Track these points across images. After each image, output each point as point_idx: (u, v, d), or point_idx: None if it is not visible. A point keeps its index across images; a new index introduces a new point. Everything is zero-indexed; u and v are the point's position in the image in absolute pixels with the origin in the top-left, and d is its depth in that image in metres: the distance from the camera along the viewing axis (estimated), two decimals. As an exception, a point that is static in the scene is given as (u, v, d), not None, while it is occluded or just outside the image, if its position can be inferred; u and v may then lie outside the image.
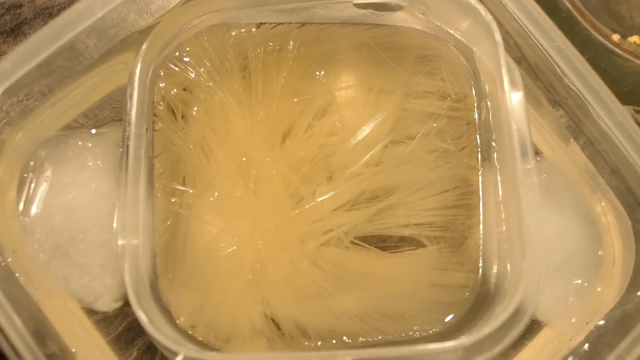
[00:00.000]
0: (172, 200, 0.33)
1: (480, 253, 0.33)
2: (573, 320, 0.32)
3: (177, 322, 0.31)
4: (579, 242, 0.33)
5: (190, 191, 0.33)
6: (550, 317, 0.32)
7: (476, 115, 0.35)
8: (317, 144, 0.34)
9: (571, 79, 0.33)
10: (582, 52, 0.33)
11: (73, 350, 0.30)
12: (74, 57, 0.32)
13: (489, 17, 0.31)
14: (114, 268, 0.31)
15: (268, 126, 0.34)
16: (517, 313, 0.28)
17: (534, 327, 0.32)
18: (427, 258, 0.33)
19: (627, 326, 0.30)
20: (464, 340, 0.27)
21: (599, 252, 0.33)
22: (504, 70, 0.31)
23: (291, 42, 0.35)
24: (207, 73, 0.34)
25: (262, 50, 0.34)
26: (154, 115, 0.34)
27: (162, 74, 0.34)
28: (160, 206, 0.32)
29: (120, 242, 0.29)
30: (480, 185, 0.34)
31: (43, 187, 0.32)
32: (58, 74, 0.32)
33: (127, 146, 0.30)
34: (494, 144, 0.33)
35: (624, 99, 0.36)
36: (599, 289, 0.33)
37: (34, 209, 0.32)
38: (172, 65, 0.34)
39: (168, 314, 0.31)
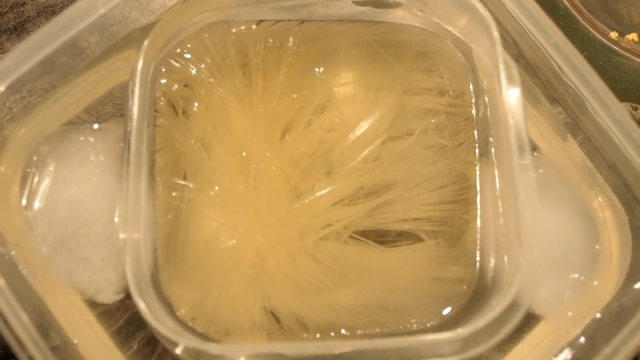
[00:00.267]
0: (173, 194, 0.33)
1: (478, 247, 0.34)
2: (570, 314, 0.32)
3: (178, 314, 0.32)
4: (576, 237, 0.34)
5: (191, 186, 0.33)
6: (547, 311, 0.33)
7: (474, 112, 0.35)
8: (316, 139, 0.34)
9: (569, 76, 0.33)
10: (580, 50, 0.33)
11: (75, 341, 0.30)
12: (76, 54, 0.32)
13: (486, 13, 0.31)
14: (116, 261, 0.32)
15: (268, 122, 0.34)
16: (513, 306, 0.28)
17: (531, 321, 0.33)
18: (425, 252, 0.34)
19: (623, 319, 0.30)
20: (460, 332, 0.28)
21: (596, 247, 0.34)
22: (501, 67, 0.31)
23: (291, 39, 0.35)
24: (208, 70, 0.34)
25: (262, 48, 0.35)
26: (156, 111, 0.34)
27: (163, 70, 0.34)
28: (161, 200, 0.33)
29: (121, 235, 0.29)
30: (477, 180, 0.34)
31: (46, 182, 0.32)
32: (60, 71, 0.32)
33: (129, 141, 0.30)
34: (491, 139, 0.34)
35: (622, 96, 0.36)
36: (595, 283, 0.33)
37: (36, 204, 0.32)
38: (173, 62, 0.34)
39: (169, 307, 0.32)
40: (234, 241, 0.33)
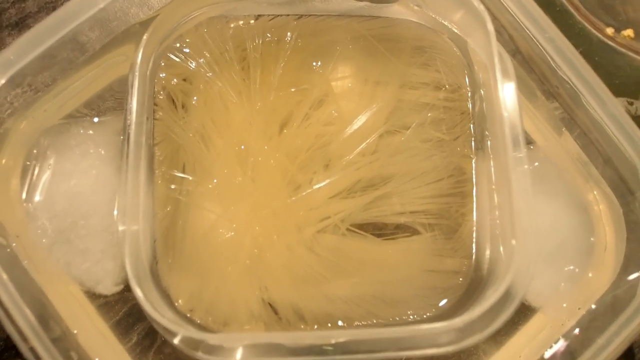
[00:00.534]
0: (172, 187, 0.33)
1: (474, 240, 0.34)
2: (565, 305, 0.33)
3: (176, 305, 0.32)
4: (571, 229, 0.34)
5: (190, 178, 0.34)
6: (543, 302, 0.33)
7: (470, 105, 0.36)
8: (314, 133, 0.35)
9: (564, 71, 0.33)
10: (577, 46, 0.34)
11: (75, 332, 0.31)
12: (77, 49, 0.33)
13: (481, 7, 0.32)
14: (115, 253, 0.32)
15: (266, 116, 0.34)
16: (507, 296, 0.29)
17: (527, 313, 0.33)
18: (422, 245, 0.34)
19: (617, 310, 0.31)
20: (455, 321, 0.28)
21: (591, 239, 0.34)
22: (495, 60, 0.31)
23: (289, 34, 0.35)
24: (207, 64, 0.35)
25: (261, 42, 0.35)
26: (155, 104, 0.34)
27: (162, 64, 0.35)
28: (160, 193, 0.33)
29: (120, 227, 0.30)
30: (474, 173, 0.35)
31: (46, 174, 0.33)
32: (60, 66, 0.33)
33: (128, 134, 0.31)
34: (487, 133, 0.34)
35: (617, 91, 0.36)
36: (590, 275, 0.33)
37: (37, 196, 0.32)
38: (172, 56, 0.35)
39: (167, 298, 0.32)
40: (232, 233, 0.33)
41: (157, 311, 0.28)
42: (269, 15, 0.36)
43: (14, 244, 0.31)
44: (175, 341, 0.29)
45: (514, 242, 0.29)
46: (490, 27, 0.31)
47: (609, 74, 0.40)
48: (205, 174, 0.34)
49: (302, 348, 0.29)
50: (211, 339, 0.29)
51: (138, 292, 0.28)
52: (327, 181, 0.34)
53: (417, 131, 0.35)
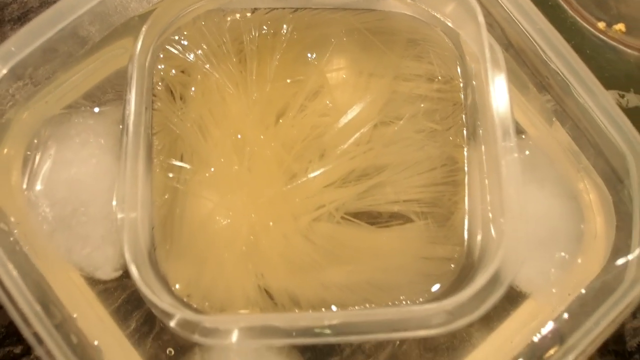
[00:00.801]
0: (170, 175, 0.34)
1: (466, 227, 0.34)
2: (555, 291, 0.33)
3: (174, 290, 0.32)
4: (562, 216, 0.35)
5: (188, 167, 0.34)
6: (533, 288, 0.34)
7: (462, 96, 0.36)
8: (309, 124, 0.35)
9: (555, 63, 0.34)
10: (568, 39, 0.34)
11: (74, 315, 0.31)
12: (77, 42, 0.33)
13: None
14: (114, 239, 0.32)
15: (262, 107, 0.35)
16: (496, 279, 0.29)
17: (517, 299, 0.34)
18: (415, 233, 0.35)
19: (606, 294, 0.31)
20: (445, 303, 0.28)
21: (581, 227, 0.35)
22: (486, 50, 0.32)
23: (285, 27, 0.36)
24: (204, 56, 0.35)
25: (257, 35, 0.36)
26: (153, 95, 0.35)
27: (161, 56, 0.35)
28: (158, 181, 0.34)
29: (119, 215, 0.30)
30: (466, 162, 0.35)
31: (47, 163, 0.33)
32: (61, 59, 0.33)
33: (127, 124, 0.32)
34: (479, 123, 0.35)
35: (609, 84, 0.37)
36: (580, 262, 0.34)
37: (38, 184, 0.33)
38: (170, 49, 0.35)
39: (165, 284, 0.32)
40: (229, 221, 0.33)
41: (155, 294, 0.29)
42: (265, 8, 0.36)
43: (15, 231, 0.32)
44: (172, 324, 0.30)
45: (502, 220, 0.29)
46: (481, 18, 0.32)
47: (600, 68, 0.41)
48: (202, 163, 0.34)
49: (297, 330, 0.29)
50: (207, 321, 0.29)
51: (135, 274, 0.29)
52: (322, 170, 0.34)
53: (410, 122, 0.36)
